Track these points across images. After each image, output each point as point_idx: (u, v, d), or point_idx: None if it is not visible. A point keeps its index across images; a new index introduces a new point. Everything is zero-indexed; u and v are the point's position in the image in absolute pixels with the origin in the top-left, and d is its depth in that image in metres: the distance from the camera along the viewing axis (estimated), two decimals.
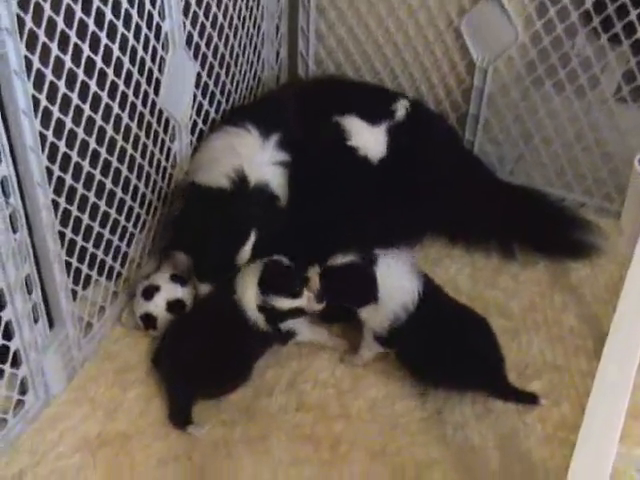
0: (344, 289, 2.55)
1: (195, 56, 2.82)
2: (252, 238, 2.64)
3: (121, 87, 2.46)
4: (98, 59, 2.31)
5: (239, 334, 2.53)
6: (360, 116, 2.95)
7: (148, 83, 2.60)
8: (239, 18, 3.09)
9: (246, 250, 2.65)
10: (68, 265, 2.46)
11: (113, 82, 2.41)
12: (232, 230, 2.64)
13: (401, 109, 3.03)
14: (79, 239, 2.48)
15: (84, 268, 2.56)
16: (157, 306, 2.70)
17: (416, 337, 2.52)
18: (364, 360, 2.67)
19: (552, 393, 2.58)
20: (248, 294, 2.50)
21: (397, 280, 2.51)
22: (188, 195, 2.70)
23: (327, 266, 2.56)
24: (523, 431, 2.48)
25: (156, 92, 2.66)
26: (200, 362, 2.49)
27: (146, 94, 2.61)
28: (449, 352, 2.50)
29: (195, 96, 2.90)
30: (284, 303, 2.50)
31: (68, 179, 2.33)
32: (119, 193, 2.61)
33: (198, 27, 2.80)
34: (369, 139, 2.94)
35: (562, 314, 2.85)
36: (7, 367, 2.31)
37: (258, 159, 2.77)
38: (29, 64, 2.03)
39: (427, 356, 2.54)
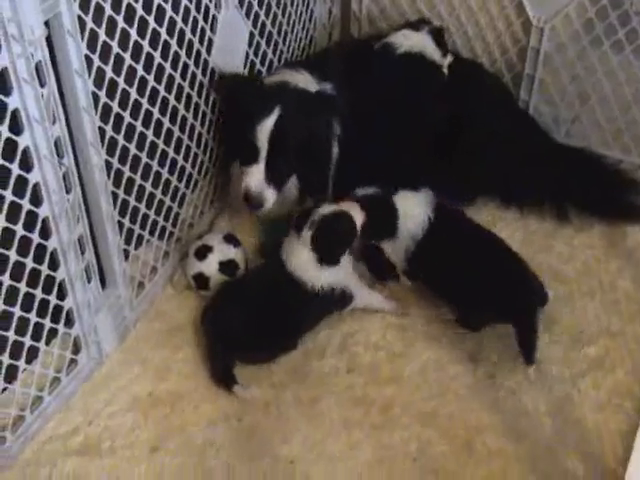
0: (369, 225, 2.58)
1: (247, 15, 2.80)
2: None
3: (174, 47, 2.44)
4: (151, 19, 2.30)
5: (291, 302, 2.52)
6: None
7: (200, 42, 2.58)
8: None
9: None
10: (120, 225, 2.46)
11: (166, 41, 2.39)
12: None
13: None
14: (131, 199, 2.48)
15: (136, 228, 2.56)
16: (210, 266, 2.69)
17: (433, 263, 2.60)
18: None
19: (607, 359, 2.55)
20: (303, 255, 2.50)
21: (409, 210, 2.60)
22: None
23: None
24: (577, 397, 2.45)
25: (208, 51, 2.63)
26: (240, 326, 2.48)
27: (198, 53, 2.59)
28: (466, 274, 2.53)
29: (247, 55, 2.87)
30: None
31: (121, 140, 2.33)
32: (171, 153, 2.61)
33: None
34: None
35: (618, 279, 2.80)
36: (61, 326, 2.34)
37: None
38: (82, 25, 2.01)
39: (448, 280, 2.59)
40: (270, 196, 2.63)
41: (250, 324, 2.48)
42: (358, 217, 2.53)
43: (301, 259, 2.50)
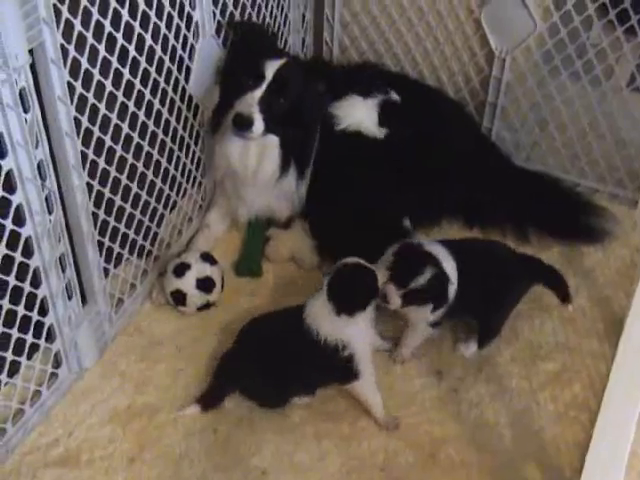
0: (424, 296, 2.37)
1: (224, 44, 2.79)
2: None
3: (153, 74, 2.43)
4: (131, 48, 2.29)
5: (298, 352, 2.35)
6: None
7: (179, 70, 2.58)
8: (266, 7, 3.05)
9: None
10: (100, 244, 2.45)
11: (145, 69, 2.39)
12: None
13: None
14: (111, 220, 2.47)
15: (116, 247, 2.55)
16: (187, 283, 2.67)
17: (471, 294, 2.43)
18: (411, 351, 2.60)
19: (564, 373, 2.55)
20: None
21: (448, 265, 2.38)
22: None
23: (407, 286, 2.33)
24: (536, 410, 2.45)
25: (186, 79, 2.63)
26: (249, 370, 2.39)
27: (177, 81, 2.58)
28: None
29: None
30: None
31: (102, 163, 2.32)
32: (150, 175, 2.59)
33: (227, 16, 2.77)
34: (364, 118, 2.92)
35: (575, 297, 2.78)
36: (42, 341, 2.31)
37: None
38: (65, 53, 2.00)
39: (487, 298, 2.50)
40: (259, 122, 2.58)
41: (257, 368, 2.38)
42: (382, 278, 2.32)
43: (316, 307, 2.32)
